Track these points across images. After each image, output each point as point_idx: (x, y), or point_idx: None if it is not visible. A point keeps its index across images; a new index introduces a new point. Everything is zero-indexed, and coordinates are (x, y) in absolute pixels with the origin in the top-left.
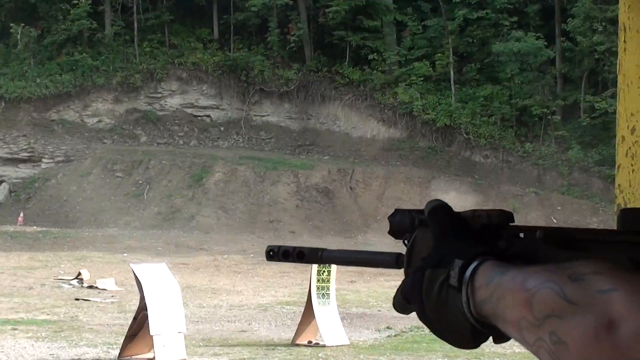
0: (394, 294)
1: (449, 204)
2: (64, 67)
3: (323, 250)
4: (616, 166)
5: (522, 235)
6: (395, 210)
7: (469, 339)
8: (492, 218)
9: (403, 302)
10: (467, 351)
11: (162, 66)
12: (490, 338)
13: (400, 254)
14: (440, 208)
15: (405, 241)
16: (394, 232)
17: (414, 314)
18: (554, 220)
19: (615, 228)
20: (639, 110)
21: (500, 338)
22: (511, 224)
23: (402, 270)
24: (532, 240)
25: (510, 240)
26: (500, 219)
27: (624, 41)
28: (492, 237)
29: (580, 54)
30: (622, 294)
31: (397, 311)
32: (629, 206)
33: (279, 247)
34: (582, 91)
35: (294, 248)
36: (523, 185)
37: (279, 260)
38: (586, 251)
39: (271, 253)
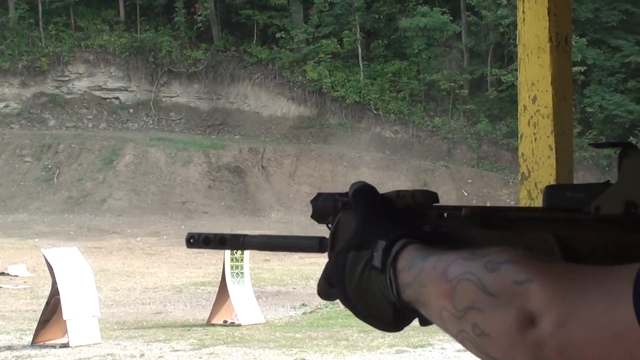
0: (318, 280)
1: (361, 180)
2: None
3: (244, 236)
4: (519, 135)
5: (446, 215)
6: (318, 193)
7: (391, 322)
8: (417, 198)
9: (326, 286)
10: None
11: (68, 49)
12: (416, 321)
13: (324, 237)
14: (363, 190)
15: (329, 225)
16: (317, 216)
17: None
18: (465, 194)
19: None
20: (539, 79)
21: (426, 321)
22: (435, 204)
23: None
24: (457, 219)
25: (435, 221)
26: (424, 198)
27: (523, 12)
28: (416, 218)
29: (486, 28)
30: (538, 285)
31: (322, 297)
32: (532, 174)
33: (200, 234)
34: (489, 65)
35: (215, 235)
36: (433, 160)
37: (199, 247)
38: (511, 230)
39: (191, 240)
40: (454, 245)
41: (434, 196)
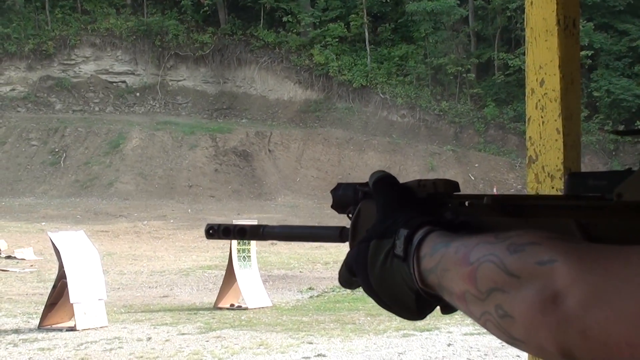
0: (339, 270)
1: (367, 164)
2: None
3: (265, 226)
4: (526, 119)
5: (468, 203)
6: (338, 184)
7: (414, 309)
8: (438, 187)
9: (348, 275)
10: None
11: (75, 32)
12: (438, 308)
13: (345, 227)
14: (384, 179)
15: (349, 214)
16: (337, 206)
17: (334, 274)
18: (472, 177)
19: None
20: (547, 63)
21: (448, 308)
22: (457, 193)
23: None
24: (479, 207)
25: (456, 209)
26: (445, 187)
27: None
28: (438, 207)
29: (493, 12)
30: (562, 264)
31: (343, 286)
32: (540, 158)
33: (219, 225)
34: (496, 49)
35: (235, 226)
36: (440, 144)
37: (219, 238)
38: (533, 217)
39: (211, 231)
40: (476, 232)
41: (455, 185)
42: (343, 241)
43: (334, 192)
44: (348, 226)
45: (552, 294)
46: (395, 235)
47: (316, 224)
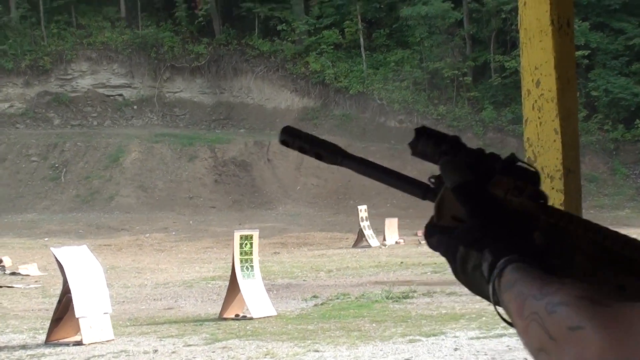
0: (425, 228)
1: None
2: None
3: (344, 152)
4: (524, 120)
5: (557, 224)
6: (417, 133)
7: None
8: (525, 207)
9: (435, 244)
10: (395, 315)
11: (70, 47)
12: (426, 309)
13: (429, 187)
14: (467, 186)
15: (431, 180)
16: (418, 155)
17: (337, 282)
18: None
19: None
20: (542, 63)
21: None
22: (544, 204)
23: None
24: (569, 235)
25: (544, 228)
26: (534, 202)
27: None
28: (527, 225)
29: (488, 14)
30: (590, 332)
31: (430, 247)
32: (538, 159)
33: (296, 136)
34: (492, 51)
35: (312, 144)
36: None
37: (292, 148)
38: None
39: (285, 141)
40: (559, 255)
41: (543, 197)
42: (425, 200)
43: (413, 143)
44: (432, 186)
45: None
46: (482, 255)
47: (329, 230)
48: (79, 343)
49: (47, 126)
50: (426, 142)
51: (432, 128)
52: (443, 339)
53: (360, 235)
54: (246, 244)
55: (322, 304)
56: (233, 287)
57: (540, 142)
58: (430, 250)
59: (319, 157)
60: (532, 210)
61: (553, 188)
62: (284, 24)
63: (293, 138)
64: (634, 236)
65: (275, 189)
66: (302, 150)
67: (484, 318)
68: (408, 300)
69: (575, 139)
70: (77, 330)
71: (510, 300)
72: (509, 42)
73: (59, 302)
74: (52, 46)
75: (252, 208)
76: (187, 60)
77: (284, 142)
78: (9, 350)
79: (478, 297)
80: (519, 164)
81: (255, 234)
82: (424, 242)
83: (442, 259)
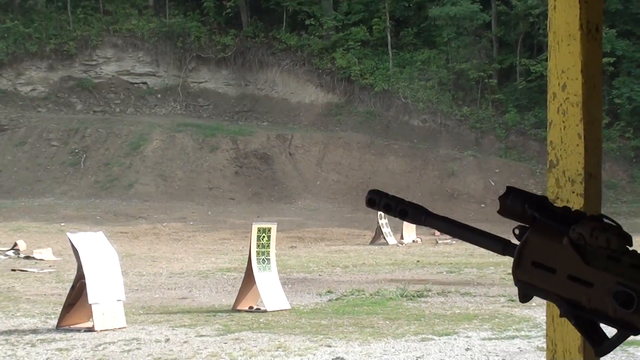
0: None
1: (388, 168)
2: None
3: (427, 212)
4: (548, 123)
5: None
6: (508, 190)
7: None
8: (612, 243)
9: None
10: (408, 313)
11: (96, 33)
12: (438, 308)
13: (509, 242)
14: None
15: (516, 231)
16: (505, 213)
17: (353, 278)
18: (492, 183)
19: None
20: (569, 67)
21: None
22: (629, 246)
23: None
24: None
25: (627, 270)
26: (619, 243)
27: None
28: (609, 265)
29: (516, 18)
30: None
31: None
32: (560, 162)
33: (382, 196)
34: (518, 55)
35: (397, 203)
36: (461, 149)
37: (378, 209)
38: None
39: (372, 200)
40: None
41: (628, 239)
42: (504, 254)
43: (502, 198)
44: (512, 240)
45: None
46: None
47: (347, 226)
48: (90, 329)
49: (69, 111)
50: (514, 200)
51: (519, 188)
52: (455, 339)
53: (378, 233)
54: (264, 236)
55: (336, 300)
56: (248, 279)
57: (563, 146)
58: (446, 250)
59: (403, 214)
60: (617, 247)
61: (574, 192)
62: (312, 19)
63: (380, 197)
64: None
65: (296, 183)
66: (387, 207)
67: (497, 319)
68: (422, 298)
69: (598, 144)
70: (89, 316)
71: None
72: (535, 46)
73: (72, 287)
74: (77, 31)
75: (272, 201)
76: (213, 51)
77: (370, 201)
78: (19, 334)
79: (492, 298)
80: (605, 220)
81: (274, 226)
82: (440, 241)
83: (458, 259)
